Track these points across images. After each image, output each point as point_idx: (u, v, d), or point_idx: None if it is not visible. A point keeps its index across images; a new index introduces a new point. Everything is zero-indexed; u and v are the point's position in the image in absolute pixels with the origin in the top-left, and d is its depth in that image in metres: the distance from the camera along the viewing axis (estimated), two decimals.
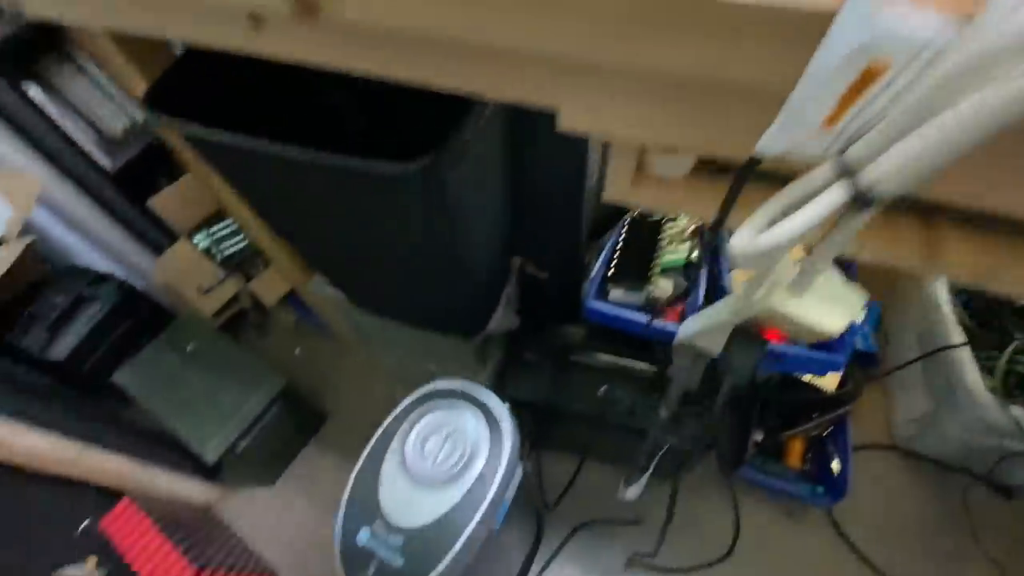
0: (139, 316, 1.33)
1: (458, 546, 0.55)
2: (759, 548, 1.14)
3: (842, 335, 0.89)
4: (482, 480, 0.59)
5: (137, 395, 1.21)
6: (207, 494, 1.27)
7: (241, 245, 1.54)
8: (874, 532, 1.13)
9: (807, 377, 1.07)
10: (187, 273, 1.47)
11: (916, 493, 1.18)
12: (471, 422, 0.63)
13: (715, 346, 0.55)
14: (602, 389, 0.94)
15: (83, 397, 1.16)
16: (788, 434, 1.18)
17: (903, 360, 1.20)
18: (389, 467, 0.61)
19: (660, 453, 0.82)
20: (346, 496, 0.61)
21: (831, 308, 0.37)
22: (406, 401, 0.67)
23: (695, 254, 1.04)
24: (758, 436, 1.22)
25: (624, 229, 1.11)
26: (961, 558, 1.09)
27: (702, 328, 0.49)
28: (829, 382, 1.07)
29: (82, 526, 1.04)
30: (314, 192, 0.60)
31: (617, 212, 1.15)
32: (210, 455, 1.11)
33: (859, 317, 0.37)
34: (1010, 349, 0.98)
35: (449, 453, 0.60)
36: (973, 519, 1.12)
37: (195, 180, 1.34)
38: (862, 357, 1.28)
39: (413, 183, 0.49)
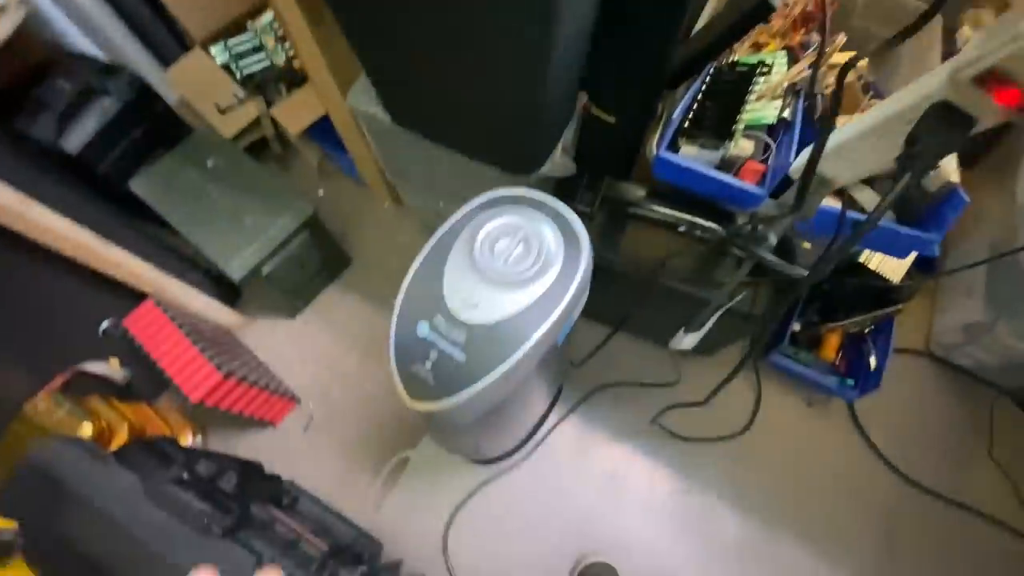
0: (155, 120, 1.22)
1: (523, 350, 0.51)
2: (774, 431, 1.15)
3: (943, 213, 0.80)
4: (555, 289, 0.53)
5: (157, 206, 1.14)
6: (229, 317, 1.26)
7: (263, 64, 1.39)
8: (892, 430, 1.14)
9: (874, 263, 1.00)
10: (204, 87, 1.34)
11: (941, 400, 1.17)
12: (547, 230, 0.56)
13: (863, 164, 0.47)
14: (661, 249, 0.87)
15: (101, 199, 1.09)
16: (830, 326, 1.14)
17: (975, 275, 1.13)
18: (456, 262, 0.55)
19: (720, 312, 0.77)
20: (406, 286, 0.56)
21: None
22: (475, 202, 0.60)
23: (787, 112, 0.92)
24: (795, 326, 1.18)
25: (708, 78, 0.97)
26: (972, 465, 1.11)
27: (875, 123, 0.40)
28: (895, 272, 1.00)
29: (105, 324, 1.02)
30: None
31: (701, 60, 1.00)
32: (236, 273, 1.06)
33: None
34: None
35: (523, 256, 0.54)
36: (993, 431, 1.12)
37: None
38: (921, 260, 1.21)
39: None
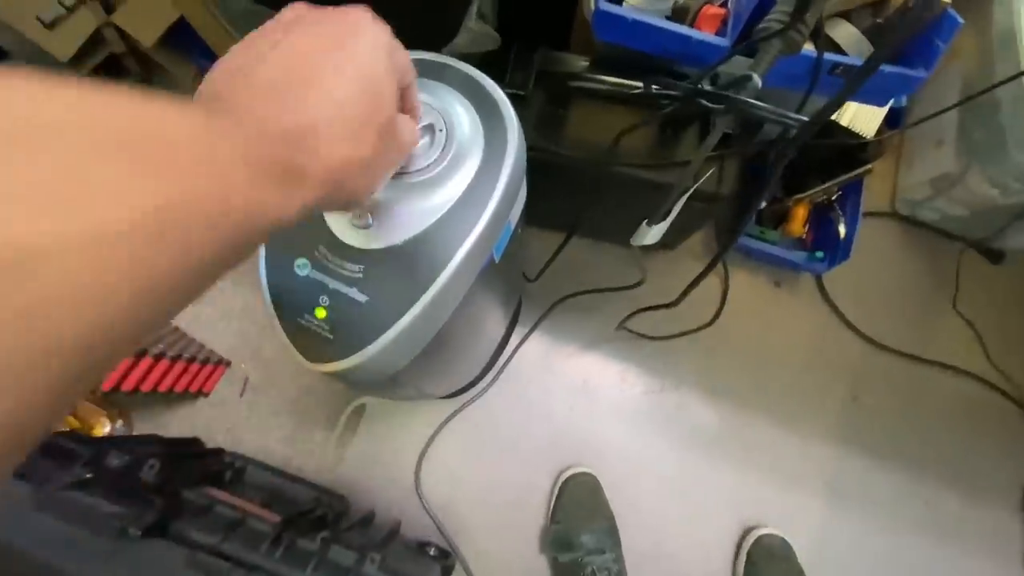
0: None
1: (445, 275, 0.38)
2: (743, 316, 1.10)
3: (931, 42, 0.68)
4: (476, 187, 0.39)
5: None
6: None
7: None
8: (859, 298, 1.11)
9: (846, 119, 0.89)
10: None
11: (907, 259, 1.14)
12: (459, 108, 0.41)
13: None
14: (612, 130, 0.72)
15: None
16: (796, 198, 1.06)
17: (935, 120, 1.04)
18: None
19: (685, 196, 0.65)
20: None
21: None
22: None
23: None
24: (759, 204, 1.09)
25: None
26: (937, 320, 1.10)
27: None
28: (869, 125, 0.90)
29: None
30: None
31: None
32: None
33: None
34: None
35: (428, 147, 0.39)
36: (959, 284, 1.10)
37: None
38: (891, 114, 1.11)
39: None
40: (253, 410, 1.05)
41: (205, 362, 1.01)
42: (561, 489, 0.99)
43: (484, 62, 0.81)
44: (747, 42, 0.62)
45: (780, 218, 1.11)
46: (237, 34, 0.86)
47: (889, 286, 1.13)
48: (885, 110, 0.91)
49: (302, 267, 0.39)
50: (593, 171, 0.80)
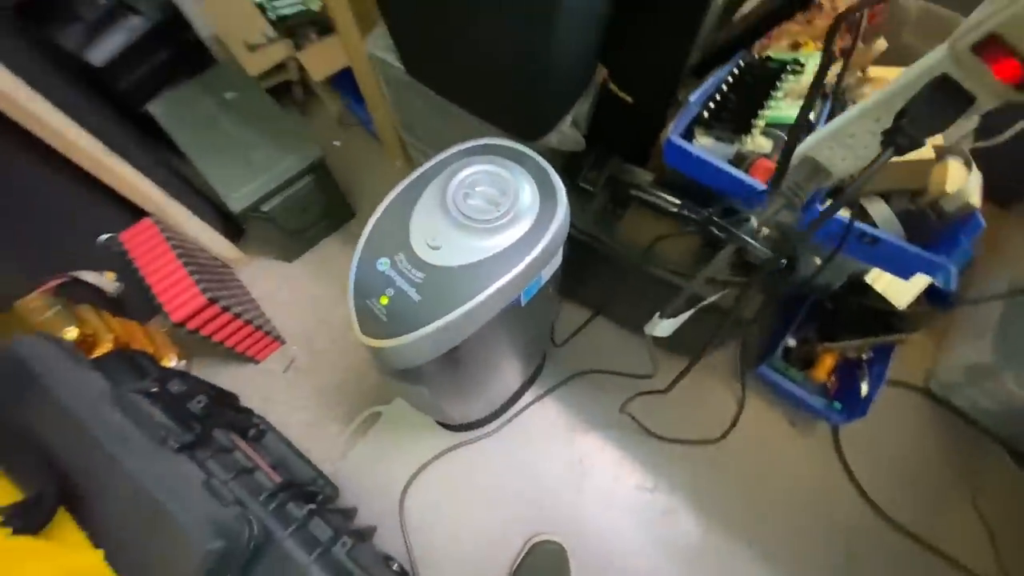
0: (181, 47, 1.23)
1: (479, 299, 0.50)
2: (752, 444, 1.12)
3: (957, 236, 0.76)
4: (522, 243, 0.52)
5: (170, 130, 1.15)
6: (228, 251, 1.27)
7: (298, 8, 1.38)
8: (874, 462, 1.10)
9: (880, 285, 0.96)
10: (235, 22, 1.34)
11: (932, 440, 1.13)
12: (525, 183, 0.54)
13: (852, 156, 0.44)
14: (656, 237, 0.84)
15: (116, 115, 1.11)
16: (826, 346, 1.10)
17: (982, 308, 1.08)
18: (427, 202, 0.54)
19: (699, 306, 0.75)
20: (374, 220, 0.55)
21: None
22: (460, 146, 0.58)
23: (812, 114, 0.88)
24: (791, 341, 1.15)
25: (736, 69, 0.93)
26: (952, 509, 1.06)
27: (873, 104, 0.37)
28: (901, 297, 0.96)
29: (103, 237, 1.04)
30: None
31: (729, 49, 0.96)
32: (235, 205, 1.07)
33: None
34: None
35: (496, 203, 0.53)
36: (980, 478, 1.07)
37: None
38: (935, 296, 1.16)
39: None
40: (290, 388, 1.19)
41: (267, 333, 1.17)
42: (530, 551, 1.01)
43: (569, 159, 0.98)
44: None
45: (808, 361, 1.15)
46: (388, 93, 1.09)
47: (909, 461, 1.11)
48: (921, 285, 0.96)
49: (382, 264, 0.52)
50: (630, 265, 0.92)
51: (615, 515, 1.07)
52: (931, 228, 0.77)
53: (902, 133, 0.36)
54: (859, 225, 0.77)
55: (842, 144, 0.46)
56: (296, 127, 1.17)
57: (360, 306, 0.53)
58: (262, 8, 1.36)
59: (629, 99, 0.92)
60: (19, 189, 0.93)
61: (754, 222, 0.55)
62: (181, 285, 0.97)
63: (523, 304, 0.57)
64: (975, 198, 0.74)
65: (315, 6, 1.38)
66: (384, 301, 0.51)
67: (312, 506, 0.84)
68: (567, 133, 0.91)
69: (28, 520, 0.56)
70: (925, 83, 0.34)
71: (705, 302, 0.75)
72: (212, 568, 0.65)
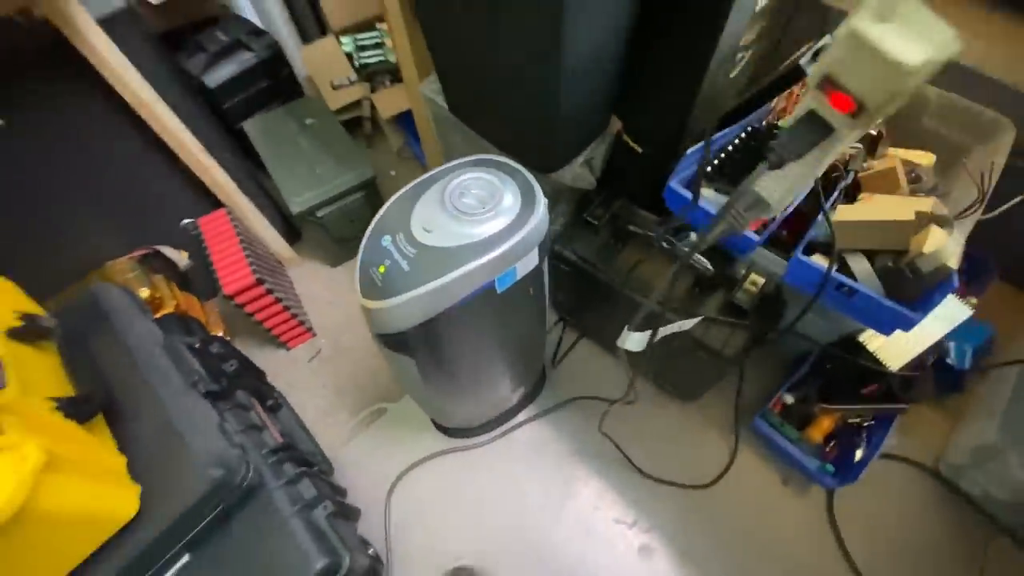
0: (278, 80, 1.48)
1: (454, 275, 0.60)
2: (741, 496, 1.11)
3: (931, 294, 0.79)
4: (500, 235, 0.62)
5: (257, 144, 1.38)
6: (284, 251, 1.46)
7: (379, 59, 1.64)
8: (869, 537, 1.06)
9: (874, 346, 0.97)
10: (326, 66, 1.60)
11: (935, 522, 1.07)
12: (510, 190, 0.66)
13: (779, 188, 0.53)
14: (651, 271, 0.93)
15: (217, 126, 1.35)
16: (823, 407, 1.10)
17: (995, 389, 1.06)
18: (429, 197, 0.66)
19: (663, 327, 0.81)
20: (386, 207, 0.68)
21: (911, 39, 0.33)
22: (467, 158, 0.71)
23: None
24: (788, 399, 1.15)
25: (744, 133, 1.03)
26: None
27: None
28: (894, 360, 0.97)
29: (185, 221, 1.24)
30: None
31: (743, 114, 1.07)
32: (295, 207, 1.25)
33: (944, 53, 0.30)
34: None
35: (484, 201, 0.64)
36: (985, 566, 1.00)
37: None
38: (947, 372, 1.14)
39: None
40: (311, 376, 1.31)
41: (301, 323, 1.31)
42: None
43: (581, 194, 1.09)
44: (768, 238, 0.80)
45: (805, 420, 1.14)
46: (435, 128, 1.27)
47: (908, 540, 1.06)
48: (918, 348, 0.97)
49: (386, 240, 0.64)
50: (618, 290, 0.99)
51: (587, 544, 1.08)
52: (910, 285, 0.80)
53: (774, 152, 0.44)
54: (836, 276, 0.82)
55: (774, 179, 0.54)
56: (358, 153, 1.37)
57: (363, 273, 0.64)
58: (350, 56, 1.62)
59: (639, 149, 1.04)
60: (133, 172, 1.15)
61: (693, 237, 0.62)
62: (237, 266, 1.13)
63: (499, 291, 0.66)
64: (952, 260, 0.78)
65: (392, 58, 1.63)
66: (381, 269, 0.63)
67: (304, 468, 0.93)
68: (579, 172, 1.03)
69: (76, 411, 0.69)
70: (799, 116, 0.43)
71: (675, 326, 0.81)
72: (209, 492, 0.75)
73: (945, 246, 0.78)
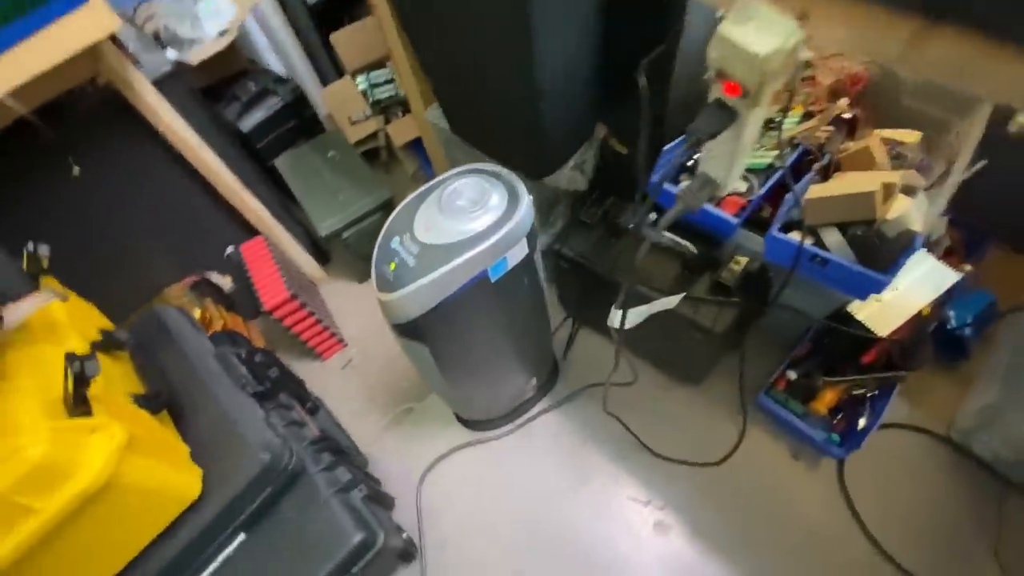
0: (303, 118, 1.66)
1: (451, 265, 0.71)
2: (752, 471, 1.15)
3: (899, 258, 0.85)
4: (489, 230, 0.73)
5: (287, 178, 1.54)
6: (316, 271, 1.61)
7: (391, 93, 1.80)
8: (883, 506, 1.08)
9: (862, 315, 1.02)
10: (344, 104, 1.77)
11: (950, 488, 1.08)
12: (497, 193, 0.77)
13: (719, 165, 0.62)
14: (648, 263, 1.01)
15: (253, 164, 1.52)
16: (826, 380, 1.14)
17: (998, 352, 1.08)
18: (430, 201, 0.78)
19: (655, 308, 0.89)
20: (395, 213, 0.79)
21: (763, 34, 0.42)
22: (458, 168, 0.83)
23: (778, 160, 1.03)
24: (792, 374, 1.20)
25: None
26: (968, 559, 1.01)
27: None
28: (882, 327, 1.01)
29: (229, 249, 1.40)
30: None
31: None
32: (323, 230, 1.40)
33: (789, 42, 0.38)
34: None
35: (475, 201, 0.75)
36: (1003, 528, 1.01)
37: (372, 24, 1.59)
38: (952, 340, 1.16)
39: None
40: (344, 383, 1.43)
41: (333, 335, 1.44)
42: None
43: (575, 196, 1.19)
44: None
45: (810, 394, 1.18)
46: (442, 147, 1.40)
47: (921, 504, 1.07)
48: (905, 314, 1.01)
49: (395, 242, 0.75)
50: (611, 282, 1.08)
51: (604, 524, 1.14)
52: (879, 251, 0.86)
53: (692, 134, 0.53)
54: (809, 248, 0.89)
55: (714, 158, 0.62)
56: (376, 179, 1.51)
57: (378, 271, 0.76)
58: (365, 93, 1.79)
59: (624, 150, 1.13)
60: (183, 208, 1.32)
61: (653, 215, 0.71)
62: (276, 285, 1.28)
63: (492, 280, 0.77)
64: (916, 224, 0.83)
65: (402, 91, 1.78)
66: (392, 267, 0.74)
67: (340, 457, 1.04)
68: (572, 176, 1.13)
69: (149, 404, 0.82)
70: (708, 104, 0.52)
71: (659, 303, 0.89)
72: (260, 474, 0.87)
73: (908, 212, 0.84)
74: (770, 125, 1.10)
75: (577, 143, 1.10)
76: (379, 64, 1.82)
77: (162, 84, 1.14)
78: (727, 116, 0.51)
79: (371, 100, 1.79)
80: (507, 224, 0.73)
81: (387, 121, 1.81)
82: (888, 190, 0.89)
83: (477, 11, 0.77)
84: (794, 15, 0.42)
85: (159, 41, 1.31)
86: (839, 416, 1.16)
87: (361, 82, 1.79)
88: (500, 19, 0.74)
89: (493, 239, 0.72)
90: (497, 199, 0.76)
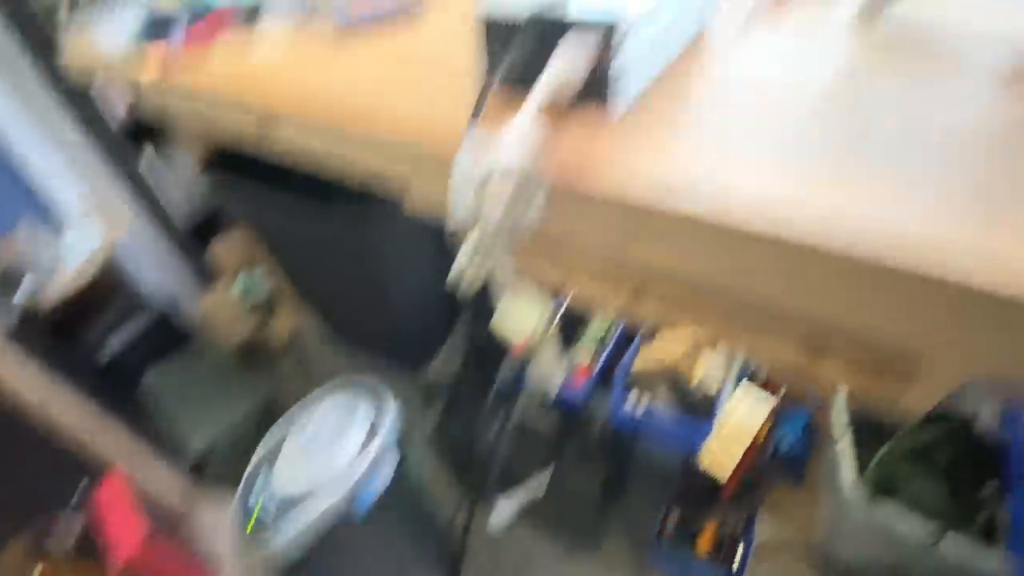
0: (166, 339, 1.65)
1: (316, 513, 0.72)
2: None
3: (710, 413, 1.01)
4: (353, 464, 0.77)
5: (155, 395, 1.48)
6: (187, 495, 1.47)
7: (266, 291, 1.86)
8: None
9: (704, 463, 1.15)
10: (220, 308, 1.80)
11: None
12: (361, 411, 0.82)
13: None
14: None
15: (116, 393, 1.44)
16: (702, 519, 1.23)
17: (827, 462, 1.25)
18: (292, 433, 0.81)
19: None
20: (252, 463, 0.80)
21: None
22: (325, 388, 0.88)
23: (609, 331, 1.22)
24: (672, 519, 1.27)
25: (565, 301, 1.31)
26: None
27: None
28: (721, 471, 1.14)
29: (82, 483, 1.27)
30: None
31: None
32: (196, 445, 1.33)
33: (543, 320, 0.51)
34: (885, 448, 1.03)
35: (336, 435, 0.79)
36: None
37: (241, 236, 1.71)
38: (789, 460, 1.33)
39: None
40: None
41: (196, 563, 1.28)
42: None
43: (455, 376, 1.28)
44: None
45: (695, 534, 1.26)
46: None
47: None
48: (739, 451, 1.16)
49: (252, 498, 0.76)
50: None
51: None
52: (701, 404, 1.03)
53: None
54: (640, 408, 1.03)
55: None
56: (254, 382, 1.51)
57: (240, 532, 0.75)
58: (242, 294, 1.83)
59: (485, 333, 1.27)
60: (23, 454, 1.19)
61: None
62: (131, 528, 1.15)
63: (362, 515, 0.78)
64: (714, 386, 1.02)
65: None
66: (249, 528, 0.74)
67: None
68: (444, 362, 1.23)
69: None
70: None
71: (527, 492, 0.95)
72: None
73: (708, 374, 1.03)
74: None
75: (444, 333, 1.22)
76: (254, 262, 1.90)
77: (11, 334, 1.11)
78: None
79: (248, 301, 1.83)
80: (369, 454, 0.78)
81: (270, 315, 1.84)
82: (696, 346, 1.09)
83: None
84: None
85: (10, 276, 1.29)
86: (722, 552, 1.23)
87: (237, 283, 1.84)
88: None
89: (357, 473, 0.76)
90: (360, 422, 0.81)
